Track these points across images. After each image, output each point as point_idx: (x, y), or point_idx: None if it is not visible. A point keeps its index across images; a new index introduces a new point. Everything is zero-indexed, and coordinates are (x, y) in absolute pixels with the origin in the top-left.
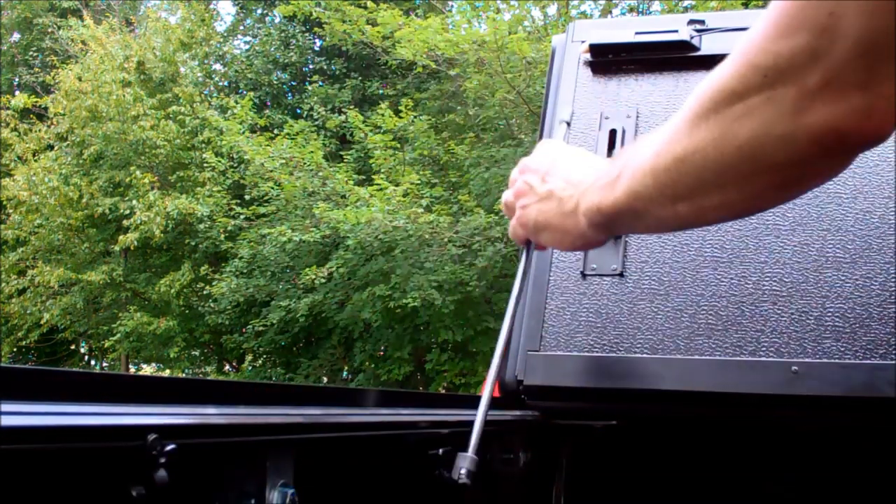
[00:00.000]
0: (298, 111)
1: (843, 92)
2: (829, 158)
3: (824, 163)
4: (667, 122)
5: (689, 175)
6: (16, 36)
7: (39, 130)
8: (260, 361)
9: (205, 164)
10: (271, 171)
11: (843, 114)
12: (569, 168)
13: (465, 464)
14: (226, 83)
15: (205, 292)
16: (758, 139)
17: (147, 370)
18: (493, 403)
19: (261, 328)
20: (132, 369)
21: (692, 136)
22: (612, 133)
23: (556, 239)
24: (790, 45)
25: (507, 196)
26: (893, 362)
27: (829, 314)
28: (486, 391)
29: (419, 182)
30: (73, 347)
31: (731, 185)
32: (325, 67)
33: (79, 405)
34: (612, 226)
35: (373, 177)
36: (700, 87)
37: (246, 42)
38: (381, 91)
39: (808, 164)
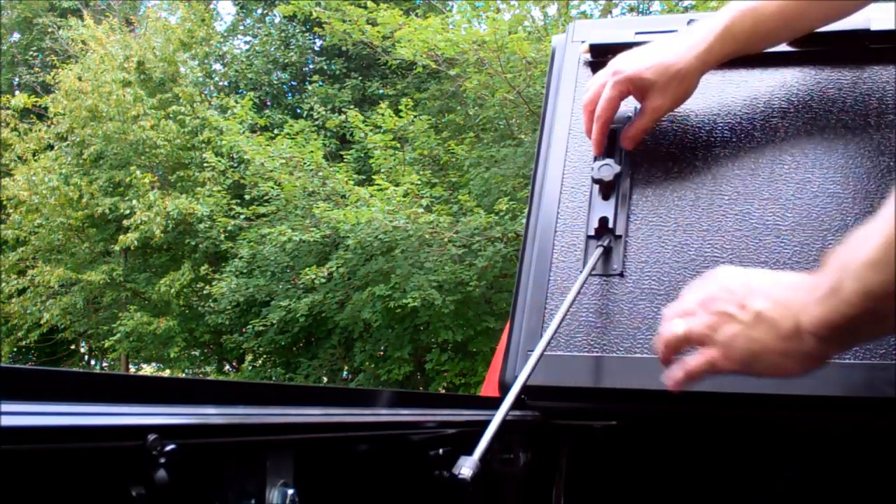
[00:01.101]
0: (298, 111)
1: None
2: None
3: None
4: (875, 216)
5: None
6: (16, 36)
7: (39, 130)
8: (260, 361)
9: (205, 164)
10: (271, 170)
11: None
12: (767, 288)
13: (467, 466)
14: (226, 83)
15: (205, 292)
16: None
17: (147, 370)
18: (493, 403)
19: (261, 328)
20: (132, 369)
21: None
22: (613, 133)
23: (776, 365)
24: None
25: (695, 330)
26: (893, 362)
27: None
28: (506, 405)
29: (419, 182)
30: (73, 347)
31: None
32: (325, 67)
33: (79, 405)
34: (847, 338)
35: (373, 177)
36: None
37: (246, 42)
38: (381, 91)
39: None
